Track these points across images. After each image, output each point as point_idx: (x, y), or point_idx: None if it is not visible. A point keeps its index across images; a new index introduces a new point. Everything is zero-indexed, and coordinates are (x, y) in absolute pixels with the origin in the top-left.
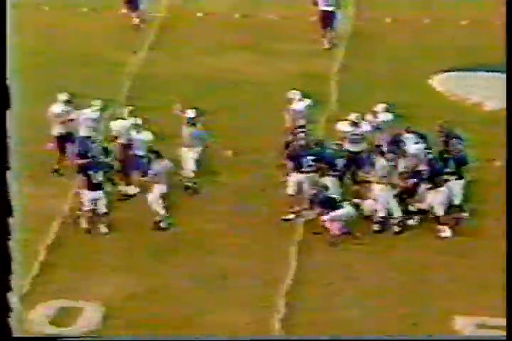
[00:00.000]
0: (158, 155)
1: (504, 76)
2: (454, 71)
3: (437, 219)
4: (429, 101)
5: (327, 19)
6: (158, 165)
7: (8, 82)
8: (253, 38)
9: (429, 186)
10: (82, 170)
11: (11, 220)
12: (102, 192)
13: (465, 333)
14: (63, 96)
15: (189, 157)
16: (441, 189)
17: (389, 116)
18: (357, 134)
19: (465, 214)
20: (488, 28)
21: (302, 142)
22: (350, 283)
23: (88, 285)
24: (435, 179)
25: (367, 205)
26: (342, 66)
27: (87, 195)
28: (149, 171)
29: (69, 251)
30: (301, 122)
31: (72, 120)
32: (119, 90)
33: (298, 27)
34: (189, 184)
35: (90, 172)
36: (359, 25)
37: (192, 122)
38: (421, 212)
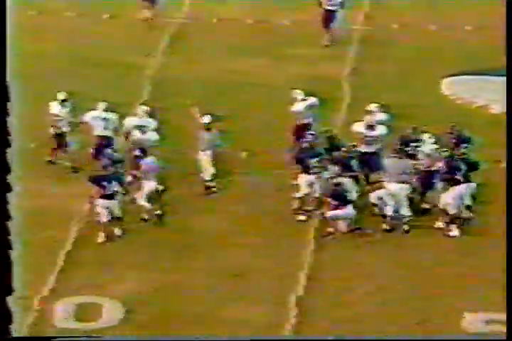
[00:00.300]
0: (145, 153)
1: None
2: (460, 75)
3: (447, 219)
4: (436, 104)
5: (328, 18)
6: (145, 163)
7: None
8: (265, 43)
9: (444, 185)
10: (96, 181)
11: (11, 221)
12: (115, 200)
13: (472, 328)
14: (61, 96)
15: (204, 160)
16: (456, 188)
17: (383, 116)
18: (372, 136)
19: (470, 215)
20: (492, 34)
21: (306, 144)
22: (361, 280)
23: (109, 282)
24: (451, 177)
25: (375, 194)
26: (352, 69)
27: (102, 204)
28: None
29: (90, 249)
30: (305, 121)
31: (82, 122)
32: (137, 93)
33: (309, 32)
34: (209, 184)
35: (104, 183)
36: (369, 31)
37: (207, 127)
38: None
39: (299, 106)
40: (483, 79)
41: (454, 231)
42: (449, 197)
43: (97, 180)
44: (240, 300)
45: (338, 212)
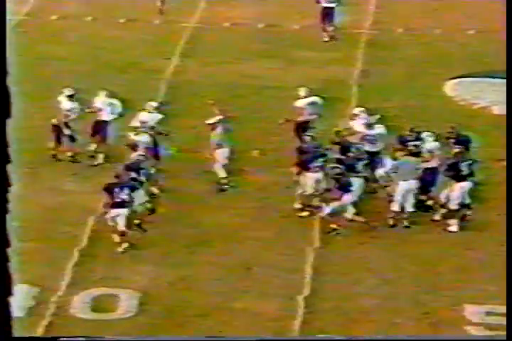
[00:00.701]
0: (133, 147)
1: None
2: (463, 77)
3: (447, 214)
4: (440, 105)
5: (327, 15)
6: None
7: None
8: (276, 47)
9: (447, 181)
10: (108, 188)
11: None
12: (123, 209)
13: (474, 320)
14: (68, 92)
15: (216, 158)
16: (460, 184)
17: (369, 119)
18: (372, 135)
19: (469, 212)
20: (494, 37)
21: (306, 145)
22: (366, 274)
23: (125, 275)
24: (454, 174)
25: (380, 171)
26: (360, 72)
27: (111, 213)
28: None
29: (107, 243)
30: (305, 119)
31: (95, 110)
32: (154, 95)
33: (317, 36)
34: (221, 182)
35: (116, 190)
36: (375, 35)
37: (212, 128)
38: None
39: (300, 103)
40: (486, 81)
41: (454, 227)
42: (452, 193)
43: (110, 188)
44: (251, 292)
45: (334, 205)
